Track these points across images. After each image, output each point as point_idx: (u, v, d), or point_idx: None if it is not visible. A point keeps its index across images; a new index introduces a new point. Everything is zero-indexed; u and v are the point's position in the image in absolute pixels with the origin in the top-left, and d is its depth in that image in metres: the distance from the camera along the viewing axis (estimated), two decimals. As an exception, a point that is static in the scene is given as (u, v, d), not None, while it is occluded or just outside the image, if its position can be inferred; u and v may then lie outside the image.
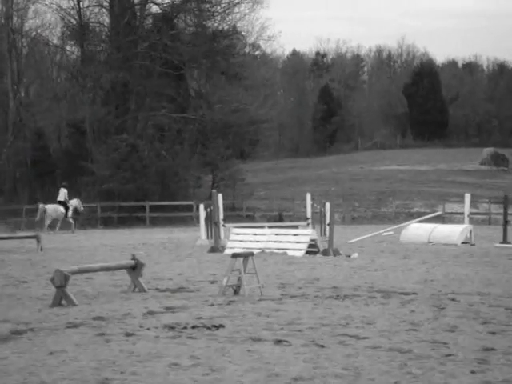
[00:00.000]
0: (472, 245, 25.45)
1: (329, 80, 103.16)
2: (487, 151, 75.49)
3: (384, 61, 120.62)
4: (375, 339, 8.18)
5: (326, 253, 20.87)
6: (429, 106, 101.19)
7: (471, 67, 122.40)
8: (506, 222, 26.93)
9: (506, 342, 8.04)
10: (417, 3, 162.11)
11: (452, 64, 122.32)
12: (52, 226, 35.89)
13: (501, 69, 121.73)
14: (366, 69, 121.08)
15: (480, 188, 58.85)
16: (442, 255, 20.75)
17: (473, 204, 41.93)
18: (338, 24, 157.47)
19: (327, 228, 23.72)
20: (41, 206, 35.93)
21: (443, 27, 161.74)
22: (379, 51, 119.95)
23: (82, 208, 38.01)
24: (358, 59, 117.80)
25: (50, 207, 35.85)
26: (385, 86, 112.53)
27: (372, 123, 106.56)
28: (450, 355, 7.34)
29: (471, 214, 34.44)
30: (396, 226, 32.07)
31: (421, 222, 30.40)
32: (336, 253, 20.83)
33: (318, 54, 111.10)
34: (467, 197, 28.37)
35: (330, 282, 13.82)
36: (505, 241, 25.92)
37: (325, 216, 27.29)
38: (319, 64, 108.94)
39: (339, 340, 8.16)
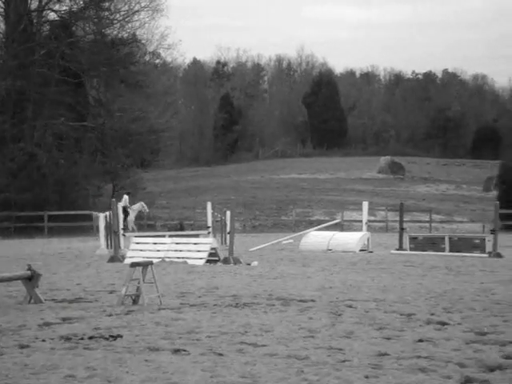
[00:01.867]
0: (369, 252, 25.91)
1: (229, 89, 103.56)
2: (384, 160, 77.01)
3: (284, 70, 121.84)
4: (273, 346, 8.23)
5: (226, 261, 20.91)
6: (328, 115, 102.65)
7: (368, 77, 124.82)
8: (401, 229, 27.54)
9: (400, 346, 8.21)
10: (316, 14, 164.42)
11: (350, 74, 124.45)
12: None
13: (397, 79, 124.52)
14: (266, 78, 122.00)
15: (377, 196, 59.97)
16: (340, 262, 21.05)
17: (370, 212, 42.70)
18: (238, 33, 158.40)
19: (228, 236, 23.79)
20: (95, 214, 36.58)
21: (341, 38, 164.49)
22: (279, 60, 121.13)
23: (146, 210, 38.85)
24: (258, 68, 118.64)
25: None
26: (285, 95, 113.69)
27: (273, 132, 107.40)
28: (345, 361, 7.45)
29: (369, 221, 35.06)
30: (296, 234, 32.36)
31: (320, 229, 30.76)
32: (236, 261, 20.89)
33: (218, 62, 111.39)
34: (365, 205, 28.86)
35: (229, 291, 13.85)
36: (400, 247, 26.49)
37: (225, 224, 27.36)
38: (220, 73, 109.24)
39: (237, 348, 8.18)
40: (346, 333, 9.09)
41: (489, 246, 24.78)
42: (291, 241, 30.66)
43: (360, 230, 31.31)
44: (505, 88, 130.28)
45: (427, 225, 46.65)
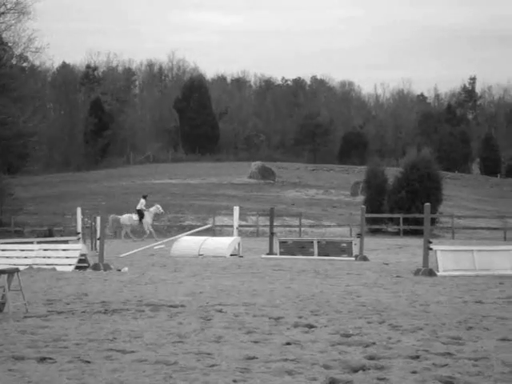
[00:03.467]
0: (240, 256, 26.11)
1: (100, 93, 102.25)
2: (255, 165, 77.73)
3: (155, 75, 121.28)
4: (142, 353, 8.20)
5: (96, 267, 20.65)
6: (199, 121, 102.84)
7: (239, 83, 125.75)
8: (271, 234, 27.89)
9: (268, 350, 8.32)
10: (187, 18, 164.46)
11: (221, 79, 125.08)
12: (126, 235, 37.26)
13: (267, 85, 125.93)
14: (137, 83, 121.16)
15: (248, 201, 60.45)
16: (211, 267, 21.13)
17: (242, 217, 43.01)
18: (108, 37, 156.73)
19: (98, 242, 23.50)
20: (112, 216, 37.16)
21: (212, 43, 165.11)
22: (150, 65, 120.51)
23: (161, 211, 39.01)
24: (129, 73, 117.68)
25: (123, 217, 37.49)
26: (156, 100, 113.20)
27: (144, 137, 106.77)
28: (214, 365, 7.49)
29: (240, 226, 35.35)
30: (167, 240, 32.27)
31: (191, 234, 30.78)
32: (106, 267, 20.66)
33: (88, 66, 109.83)
34: (236, 210, 29.08)
35: (99, 297, 13.69)
36: (271, 252, 26.80)
37: (95, 230, 27.01)
38: (90, 77, 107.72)
39: (106, 355, 8.10)
40: (215, 337, 9.14)
41: (355, 250, 25.38)
42: (163, 246, 30.56)
43: (231, 234, 31.52)
44: (371, 95, 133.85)
45: (297, 229, 47.37)
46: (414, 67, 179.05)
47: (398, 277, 18.09)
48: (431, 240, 19.97)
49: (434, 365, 7.56)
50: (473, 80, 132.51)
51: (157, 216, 40.37)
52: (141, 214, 37.98)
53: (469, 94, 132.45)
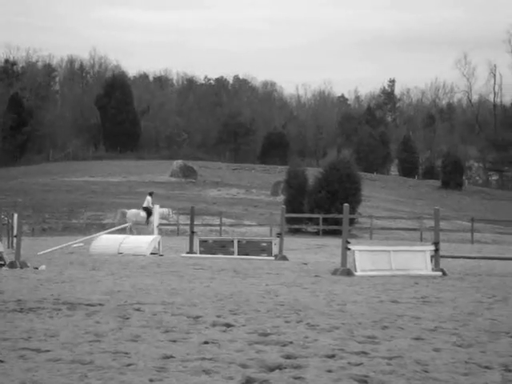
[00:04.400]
0: (160, 255, 26.02)
1: (19, 89, 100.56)
2: (177, 164, 77.57)
3: (76, 71, 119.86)
4: (57, 352, 8.09)
5: (12, 265, 20.31)
6: (121, 118, 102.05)
7: (162, 81, 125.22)
8: (192, 233, 27.86)
9: (185, 349, 8.31)
10: (110, 14, 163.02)
11: (143, 77, 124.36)
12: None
13: (190, 84, 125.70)
14: (58, 79, 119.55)
15: (169, 199, 60.24)
16: (130, 266, 21.00)
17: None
18: (28, 32, 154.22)
19: (15, 240, 23.13)
20: (120, 210, 36.99)
21: (135, 40, 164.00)
22: (71, 61, 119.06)
23: (171, 218, 38.63)
24: (49, 69, 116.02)
25: (130, 212, 37.10)
26: (77, 97, 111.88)
27: (64, 134, 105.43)
28: (130, 364, 7.44)
29: (160, 225, 35.25)
30: (86, 238, 31.96)
31: (111, 233, 30.54)
32: (23, 265, 20.34)
33: (7, 61, 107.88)
34: (156, 208, 28.97)
35: (14, 295, 13.45)
36: (191, 251, 26.77)
37: (12, 228, 26.57)
38: (9, 72, 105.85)
39: (20, 354, 7.97)
40: (132, 336, 9.09)
41: (275, 249, 25.54)
42: (82, 244, 30.25)
43: (151, 233, 31.38)
44: (292, 95, 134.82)
45: (218, 228, 47.42)
46: (335, 69, 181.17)
47: (316, 276, 18.26)
48: (349, 240, 20.22)
49: (349, 364, 7.66)
50: (392, 82, 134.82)
51: (164, 219, 39.77)
52: (148, 211, 37.16)
53: (388, 96, 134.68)
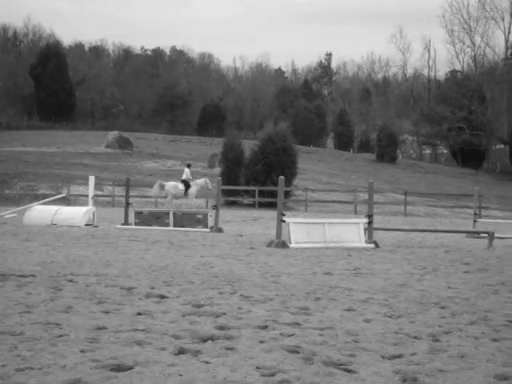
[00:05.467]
0: (95, 226, 25.83)
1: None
2: (112, 135, 76.84)
3: (9, 40, 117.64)
4: (-13, 324, 8.00)
5: None
6: (56, 88, 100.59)
7: (98, 51, 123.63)
8: (127, 204, 27.72)
9: (118, 320, 8.28)
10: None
11: (79, 47, 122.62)
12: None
13: (126, 54, 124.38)
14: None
15: (106, 171, 59.79)
16: (64, 237, 20.81)
17: (98, 186, 42.56)
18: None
19: None
20: (158, 182, 36.73)
21: (71, 9, 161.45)
22: (4, 30, 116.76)
23: (210, 187, 37.57)
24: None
25: (169, 184, 36.57)
26: (11, 66, 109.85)
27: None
28: (61, 336, 7.40)
29: (96, 196, 34.99)
30: (19, 208, 31.57)
31: (45, 204, 30.20)
32: (-46, 236, 20.04)
33: None
34: (91, 179, 28.73)
35: None
36: (126, 222, 26.65)
37: None
38: None
39: (-51, 326, 7.86)
40: (64, 307, 9.02)
41: (211, 221, 25.56)
42: (15, 215, 29.86)
43: (86, 204, 31.11)
44: (230, 67, 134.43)
45: (153, 200, 47.21)
46: (272, 41, 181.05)
47: (251, 248, 18.35)
48: (284, 213, 20.33)
49: (281, 334, 7.73)
50: (329, 56, 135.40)
51: (203, 190, 39.40)
52: (186, 184, 36.72)
53: (325, 69, 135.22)
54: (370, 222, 20.43)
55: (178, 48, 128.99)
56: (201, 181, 37.69)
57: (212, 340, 7.37)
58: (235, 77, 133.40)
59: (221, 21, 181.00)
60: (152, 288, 10.83)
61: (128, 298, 9.88)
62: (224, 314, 8.80)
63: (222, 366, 6.35)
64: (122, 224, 26.58)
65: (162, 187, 36.95)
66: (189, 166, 38.96)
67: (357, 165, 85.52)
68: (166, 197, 36.57)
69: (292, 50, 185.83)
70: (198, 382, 5.87)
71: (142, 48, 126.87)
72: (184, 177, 37.49)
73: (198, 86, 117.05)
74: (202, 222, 25.62)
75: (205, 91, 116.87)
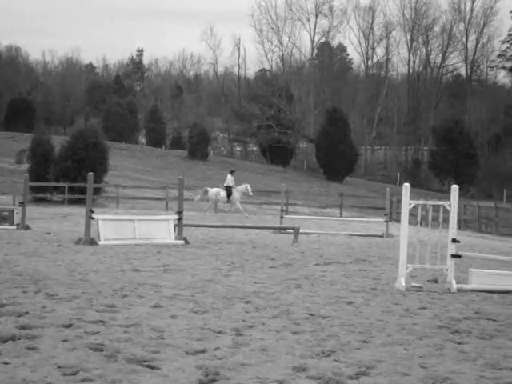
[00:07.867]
0: None
1: None
2: None
3: None
4: None
5: None
6: None
7: None
8: None
9: None
10: None
11: None
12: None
13: None
14: None
15: None
16: None
17: None
18: None
19: None
20: (204, 188, 37.49)
21: None
22: None
23: (251, 193, 38.33)
24: None
25: (212, 191, 37.72)
26: None
27: None
28: None
29: None
30: None
31: None
32: None
33: None
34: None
35: None
36: None
37: None
38: None
39: None
40: None
41: (17, 219, 24.87)
42: None
43: None
44: (39, 61, 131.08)
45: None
46: (83, 36, 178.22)
47: (59, 246, 18.00)
48: (94, 209, 20.09)
49: (85, 332, 7.66)
50: (140, 52, 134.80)
51: (244, 196, 39.22)
52: (229, 190, 37.31)
53: (137, 65, 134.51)
54: (179, 219, 20.53)
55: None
56: (242, 187, 38.58)
57: (13, 340, 7.20)
58: (45, 71, 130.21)
59: (30, 13, 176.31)
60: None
61: None
62: (27, 313, 8.61)
63: (22, 367, 6.22)
64: None
65: (205, 193, 38.31)
66: (232, 172, 39.68)
67: (169, 161, 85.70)
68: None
69: (103, 46, 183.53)
70: (-3, 384, 5.73)
71: None
72: (226, 183, 38.31)
73: (5, 79, 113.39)
74: (8, 220, 24.88)
75: (12, 85, 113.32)
